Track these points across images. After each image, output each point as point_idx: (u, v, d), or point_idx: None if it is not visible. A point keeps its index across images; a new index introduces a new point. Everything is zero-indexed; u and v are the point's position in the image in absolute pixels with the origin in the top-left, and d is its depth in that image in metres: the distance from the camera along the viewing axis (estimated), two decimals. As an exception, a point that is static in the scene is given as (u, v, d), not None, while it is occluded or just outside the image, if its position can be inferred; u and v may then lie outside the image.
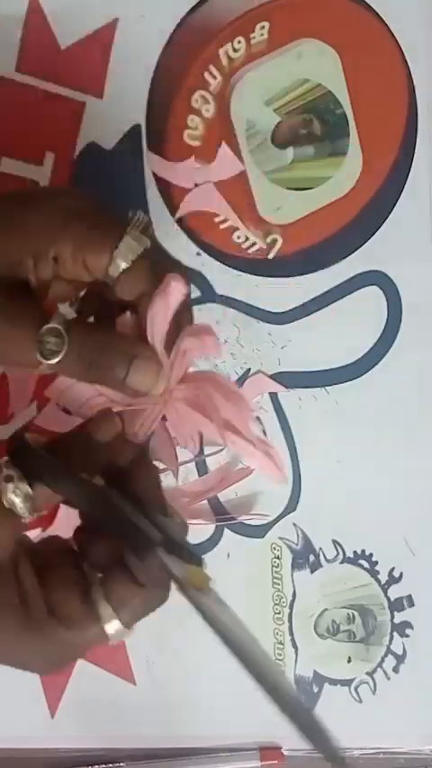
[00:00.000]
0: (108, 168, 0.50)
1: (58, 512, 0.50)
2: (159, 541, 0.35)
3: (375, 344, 0.51)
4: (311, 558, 0.50)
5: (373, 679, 0.50)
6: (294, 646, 0.50)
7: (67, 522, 0.50)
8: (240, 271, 0.51)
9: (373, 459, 0.50)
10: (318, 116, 0.51)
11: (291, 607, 0.50)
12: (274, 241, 0.51)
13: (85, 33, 0.50)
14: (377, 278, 0.51)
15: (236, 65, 0.51)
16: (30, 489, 0.35)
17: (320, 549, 0.50)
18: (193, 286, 0.51)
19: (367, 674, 0.50)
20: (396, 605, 0.50)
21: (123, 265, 0.37)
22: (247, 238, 0.51)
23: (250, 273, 0.51)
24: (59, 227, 0.37)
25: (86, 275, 0.38)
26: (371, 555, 0.50)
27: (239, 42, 0.51)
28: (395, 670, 0.50)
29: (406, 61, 0.51)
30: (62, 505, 0.49)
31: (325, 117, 0.51)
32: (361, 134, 0.51)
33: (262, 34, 0.51)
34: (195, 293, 0.51)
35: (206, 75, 0.51)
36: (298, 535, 0.50)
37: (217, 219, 0.51)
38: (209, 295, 0.51)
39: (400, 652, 0.50)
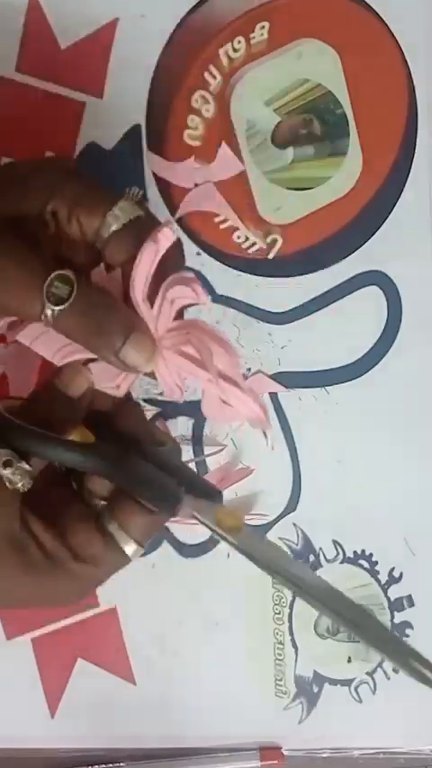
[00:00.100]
0: (108, 168, 0.50)
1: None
2: (183, 494, 0.37)
3: (375, 344, 0.51)
4: (311, 558, 0.50)
5: (373, 679, 0.50)
6: (294, 646, 0.50)
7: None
8: (240, 271, 0.51)
9: (373, 459, 0.50)
10: (318, 116, 0.51)
11: (291, 607, 0.50)
12: (274, 241, 0.51)
13: (85, 33, 0.50)
14: (377, 278, 0.51)
15: (236, 65, 0.51)
16: (27, 466, 0.36)
17: (320, 549, 0.50)
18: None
19: (367, 674, 0.50)
20: (396, 605, 0.50)
21: (114, 227, 0.37)
22: (247, 238, 0.51)
23: (250, 273, 0.51)
24: (58, 184, 0.38)
25: (80, 237, 0.38)
26: (371, 555, 0.50)
27: (239, 42, 0.51)
28: (395, 670, 0.50)
29: (406, 61, 0.51)
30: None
31: (325, 117, 0.51)
32: (361, 134, 0.51)
33: (262, 34, 0.51)
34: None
35: (206, 75, 0.51)
36: (298, 535, 0.50)
37: (217, 219, 0.51)
38: (209, 295, 0.51)
39: (400, 652, 0.50)
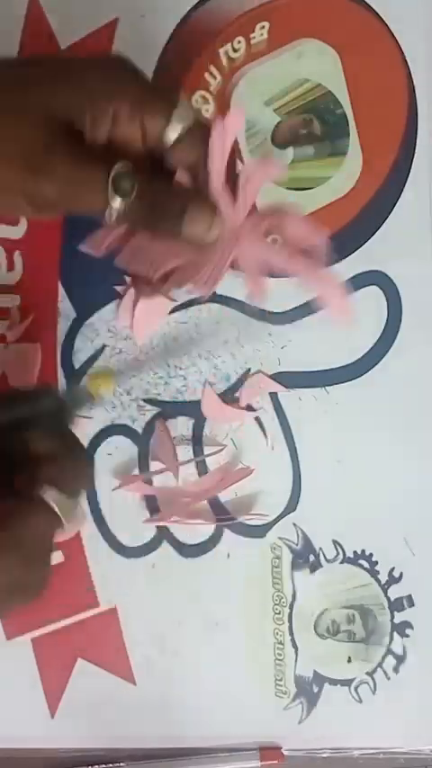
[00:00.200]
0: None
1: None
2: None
3: (375, 344, 0.51)
4: (311, 558, 0.50)
5: (373, 679, 0.50)
6: (294, 646, 0.50)
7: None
8: (240, 271, 0.51)
9: (373, 459, 0.50)
10: (318, 116, 0.51)
11: (291, 607, 0.50)
12: (275, 241, 0.51)
13: (84, 33, 0.50)
14: (377, 278, 0.51)
15: (236, 65, 0.51)
16: None
17: (320, 549, 0.50)
18: (193, 286, 0.51)
19: (367, 674, 0.50)
20: (396, 605, 0.50)
21: (180, 128, 0.37)
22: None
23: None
24: (120, 85, 0.37)
25: (138, 140, 0.38)
26: (371, 555, 0.50)
27: (239, 42, 0.51)
28: (395, 670, 0.50)
29: (406, 61, 0.51)
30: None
31: (325, 117, 0.51)
32: (361, 134, 0.51)
33: (262, 34, 0.51)
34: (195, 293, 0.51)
35: (206, 75, 0.51)
36: (298, 535, 0.50)
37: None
38: (209, 296, 0.51)
39: (400, 652, 0.50)
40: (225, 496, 0.50)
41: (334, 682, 0.50)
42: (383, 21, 0.51)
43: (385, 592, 0.50)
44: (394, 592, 0.50)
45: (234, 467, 0.50)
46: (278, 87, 0.51)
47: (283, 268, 0.41)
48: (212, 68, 0.51)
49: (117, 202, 0.36)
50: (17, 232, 0.51)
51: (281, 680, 0.49)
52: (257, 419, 0.51)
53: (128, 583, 0.50)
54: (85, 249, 0.42)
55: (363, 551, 0.50)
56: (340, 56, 0.51)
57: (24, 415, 0.37)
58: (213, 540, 0.50)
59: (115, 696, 0.49)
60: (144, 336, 0.50)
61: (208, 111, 0.50)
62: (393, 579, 0.50)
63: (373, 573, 0.50)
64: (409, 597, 0.50)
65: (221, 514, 0.50)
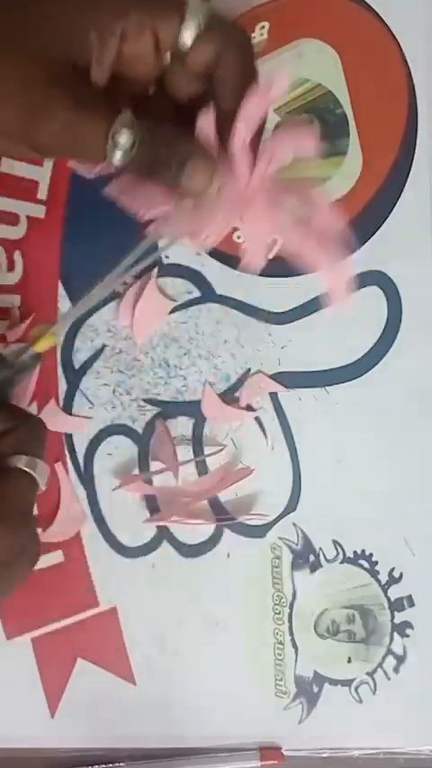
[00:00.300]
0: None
1: (59, 512, 0.50)
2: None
3: (375, 344, 0.51)
4: (311, 558, 0.50)
5: (373, 679, 0.50)
6: (294, 646, 0.50)
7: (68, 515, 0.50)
8: (240, 271, 0.51)
9: (373, 459, 0.50)
10: (318, 116, 0.51)
11: (291, 607, 0.50)
12: (275, 241, 0.51)
13: (85, 33, 0.50)
14: (377, 278, 0.51)
15: (236, 65, 0.51)
16: None
17: (320, 549, 0.50)
18: (193, 286, 0.51)
19: (367, 674, 0.50)
20: (396, 605, 0.50)
21: (196, 26, 0.36)
22: (247, 238, 0.51)
23: (250, 273, 0.51)
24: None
25: (151, 55, 0.37)
26: (371, 555, 0.50)
27: (239, 42, 0.51)
28: (395, 670, 0.50)
29: (406, 61, 0.51)
30: (62, 501, 0.50)
31: (325, 117, 0.51)
32: (361, 134, 0.51)
33: (262, 34, 0.51)
34: (195, 293, 0.51)
35: (206, 75, 0.51)
36: (298, 535, 0.50)
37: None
38: (209, 295, 0.51)
39: (400, 652, 0.50)
40: (225, 496, 0.50)
41: (334, 682, 0.50)
42: (383, 21, 0.51)
43: (385, 592, 0.50)
44: (394, 592, 0.50)
45: (234, 467, 0.50)
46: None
47: (291, 245, 0.39)
48: (212, 68, 0.51)
49: (116, 157, 0.36)
50: (17, 232, 0.51)
51: (281, 680, 0.49)
52: (257, 419, 0.51)
53: (128, 583, 0.50)
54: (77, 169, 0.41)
55: (363, 551, 0.50)
56: (340, 56, 0.51)
57: None
58: (213, 540, 0.50)
59: (115, 696, 0.49)
60: (144, 336, 0.50)
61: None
62: (393, 579, 0.50)
63: (373, 573, 0.50)
64: (409, 597, 0.50)
65: (221, 514, 0.50)
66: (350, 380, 0.51)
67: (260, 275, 0.51)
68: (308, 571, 0.50)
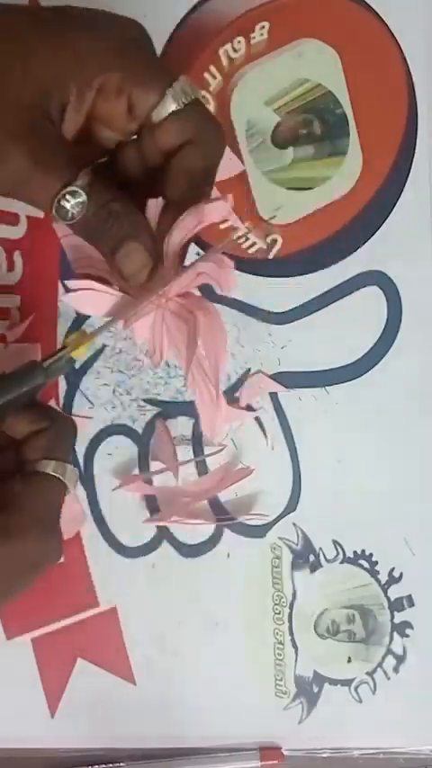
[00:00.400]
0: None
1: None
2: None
3: (375, 344, 0.51)
4: (311, 558, 0.50)
5: (373, 679, 0.50)
6: (294, 646, 0.50)
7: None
8: (240, 271, 0.51)
9: (373, 459, 0.50)
10: (318, 116, 0.51)
11: (291, 607, 0.50)
12: (274, 241, 0.51)
13: (85, 33, 0.50)
14: (377, 278, 0.51)
15: (236, 65, 0.51)
16: None
17: (320, 549, 0.50)
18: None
19: (367, 674, 0.50)
20: (396, 605, 0.50)
21: (173, 107, 0.35)
22: (247, 238, 0.51)
23: (250, 273, 0.51)
24: (113, 54, 0.35)
25: (123, 118, 0.36)
26: (371, 555, 0.50)
27: (239, 42, 0.51)
28: (395, 670, 0.50)
29: (406, 61, 0.51)
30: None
31: (325, 117, 0.51)
32: (361, 134, 0.51)
33: (262, 34, 0.51)
34: (195, 293, 0.51)
35: (206, 75, 0.51)
36: (298, 535, 0.50)
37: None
38: (209, 295, 0.51)
39: (400, 652, 0.50)
40: (225, 496, 0.50)
41: (334, 682, 0.50)
42: (383, 21, 0.51)
43: (385, 592, 0.50)
44: (394, 592, 0.50)
45: (234, 467, 0.50)
46: (278, 87, 0.51)
47: (179, 359, 0.41)
48: (212, 68, 0.51)
49: (59, 218, 0.36)
50: (17, 232, 0.51)
51: (281, 680, 0.49)
52: (257, 419, 0.51)
53: (128, 583, 0.50)
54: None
55: (363, 551, 0.50)
56: (340, 56, 0.51)
57: (17, 395, 0.37)
58: (213, 540, 0.50)
59: (115, 696, 0.49)
60: (144, 336, 0.50)
61: (208, 111, 0.50)
62: (393, 579, 0.50)
63: (373, 573, 0.50)
64: (409, 597, 0.50)
65: (221, 514, 0.50)
66: (350, 380, 0.51)
67: (260, 275, 0.51)
68: (308, 571, 0.50)
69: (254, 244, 0.51)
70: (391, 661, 0.50)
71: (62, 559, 0.49)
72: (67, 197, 0.35)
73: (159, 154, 0.37)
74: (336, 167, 0.51)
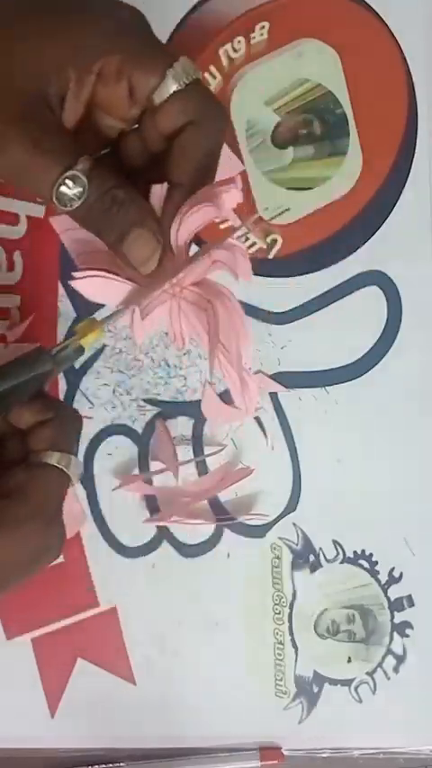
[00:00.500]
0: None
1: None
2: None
3: (375, 344, 0.51)
4: (311, 558, 0.50)
5: (373, 679, 0.50)
6: (294, 646, 0.50)
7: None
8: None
9: (373, 459, 0.50)
10: (318, 116, 0.51)
11: (291, 607, 0.50)
12: (274, 241, 0.51)
13: (85, 33, 0.50)
14: (377, 278, 0.51)
15: (236, 65, 0.51)
16: None
17: (320, 549, 0.50)
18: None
19: (367, 674, 0.50)
20: (396, 605, 0.50)
21: (174, 87, 0.35)
22: (246, 238, 0.51)
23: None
24: (112, 37, 0.35)
25: (124, 103, 0.35)
26: (371, 555, 0.50)
27: (239, 42, 0.51)
28: (395, 670, 0.50)
29: (406, 61, 0.51)
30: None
31: (325, 117, 0.51)
32: (361, 134, 0.51)
33: (262, 34, 0.51)
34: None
35: (206, 75, 0.51)
36: (298, 535, 0.50)
37: (217, 219, 0.50)
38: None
39: (400, 652, 0.50)
40: (225, 496, 0.50)
41: (334, 682, 0.50)
42: (383, 21, 0.51)
43: (385, 592, 0.50)
44: (394, 592, 0.50)
45: (234, 467, 0.50)
46: (278, 87, 0.51)
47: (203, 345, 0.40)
48: (212, 68, 0.51)
49: (59, 205, 0.35)
50: (17, 232, 0.51)
51: (281, 680, 0.49)
52: (257, 419, 0.51)
53: (128, 583, 0.50)
54: None
55: (363, 551, 0.50)
56: (340, 56, 0.51)
57: (23, 381, 0.37)
58: (213, 540, 0.50)
59: (115, 696, 0.49)
60: (144, 336, 0.50)
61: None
62: (393, 579, 0.50)
63: (373, 573, 0.50)
64: (409, 597, 0.50)
65: (221, 514, 0.50)
66: (350, 380, 0.51)
67: (260, 275, 0.51)
68: (308, 571, 0.50)
69: (254, 244, 0.51)
70: (391, 661, 0.50)
71: (62, 559, 0.49)
72: (68, 182, 0.34)
73: (162, 138, 0.37)
74: (336, 167, 0.51)
